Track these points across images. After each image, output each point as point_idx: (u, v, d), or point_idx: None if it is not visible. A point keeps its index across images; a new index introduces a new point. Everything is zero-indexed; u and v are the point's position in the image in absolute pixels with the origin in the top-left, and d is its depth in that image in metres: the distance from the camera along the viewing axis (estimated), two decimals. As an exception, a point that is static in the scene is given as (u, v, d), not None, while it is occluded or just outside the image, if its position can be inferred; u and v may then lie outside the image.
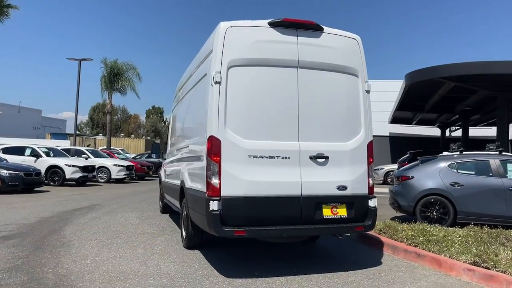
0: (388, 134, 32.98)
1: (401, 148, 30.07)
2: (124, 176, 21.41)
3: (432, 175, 8.84)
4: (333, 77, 5.41)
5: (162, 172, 10.17)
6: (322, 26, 5.40)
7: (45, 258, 5.81)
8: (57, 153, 19.77)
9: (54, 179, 18.04)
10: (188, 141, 6.36)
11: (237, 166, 4.96)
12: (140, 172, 23.61)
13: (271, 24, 5.23)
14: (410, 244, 6.13)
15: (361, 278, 5.07)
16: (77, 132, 38.84)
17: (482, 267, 5.00)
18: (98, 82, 36.79)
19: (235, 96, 5.03)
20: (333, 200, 5.23)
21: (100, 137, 47.24)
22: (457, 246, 5.77)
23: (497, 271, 4.87)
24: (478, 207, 8.41)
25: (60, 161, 18.39)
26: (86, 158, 21.03)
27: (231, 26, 5.13)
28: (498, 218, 8.26)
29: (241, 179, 4.95)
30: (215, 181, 4.91)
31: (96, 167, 20.19)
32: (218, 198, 4.88)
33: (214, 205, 4.85)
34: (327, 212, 5.19)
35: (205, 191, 5.00)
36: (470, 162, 9.04)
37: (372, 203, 5.40)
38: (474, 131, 27.79)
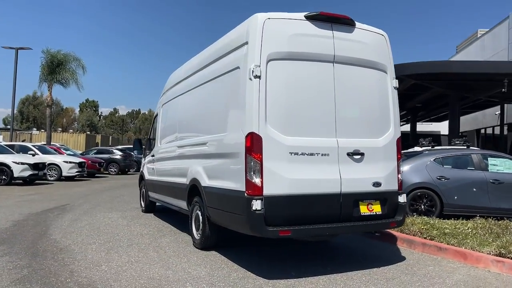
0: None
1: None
2: (76, 173, 20.23)
3: (419, 170, 9.14)
4: (365, 73, 5.38)
5: (146, 170, 9.65)
6: (355, 21, 5.34)
7: (53, 266, 5.27)
8: (1, 149, 18.21)
9: (0, 178, 16.63)
10: (205, 137, 6.00)
11: (278, 164, 4.77)
12: (91, 169, 22.50)
13: (307, 17, 5.09)
14: (425, 238, 6.27)
15: (398, 274, 5.09)
16: (7, 127, 35.85)
17: (509, 258, 5.22)
18: (27, 74, 34.35)
19: (275, 90, 4.83)
20: (369, 197, 5.21)
21: (35, 132, 44.28)
22: (473, 239, 5.99)
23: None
24: (463, 199, 8.82)
25: (7, 158, 16.95)
26: (33, 155, 19.57)
27: (268, 18, 4.92)
28: (481, 209, 8.71)
29: (283, 177, 4.77)
30: (256, 179, 4.69)
31: (46, 164, 18.87)
32: (261, 197, 4.67)
33: (257, 205, 4.64)
34: (363, 209, 5.16)
35: (244, 190, 4.76)
36: (454, 156, 9.45)
37: (402, 199, 5.44)
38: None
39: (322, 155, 4.99)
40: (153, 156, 8.96)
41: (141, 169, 10.20)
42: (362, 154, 5.18)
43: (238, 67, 5.12)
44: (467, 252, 5.56)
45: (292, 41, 4.97)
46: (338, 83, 5.17)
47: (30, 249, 6.17)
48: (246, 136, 4.77)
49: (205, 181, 5.90)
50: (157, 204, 9.81)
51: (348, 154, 5.12)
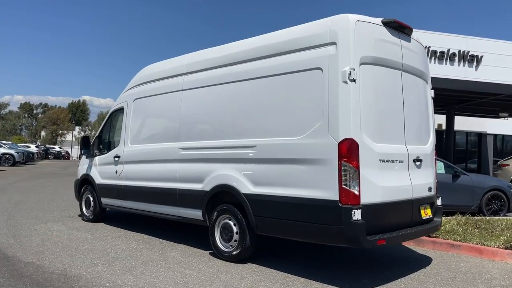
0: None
1: None
2: None
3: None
4: (418, 82, 5.58)
5: (96, 173, 8.28)
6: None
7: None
8: None
9: None
10: (251, 140, 5.38)
11: (371, 171, 4.64)
12: None
13: (383, 23, 5.06)
14: (433, 236, 6.78)
15: (445, 274, 5.36)
16: None
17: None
18: None
19: (365, 95, 4.68)
20: (426, 201, 5.44)
21: None
22: (470, 235, 6.72)
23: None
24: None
25: None
26: None
27: (358, 20, 4.74)
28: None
29: (376, 185, 4.66)
30: (354, 188, 4.48)
31: None
32: (360, 206, 4.48)
33: (358, 215, 4.43)
34: (423, 213, 5.35)
35: (337, 199, 4.51)
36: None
37: (439, 201, 5.81)
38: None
39: (399, 162, 5.03)
40: (116, 157, 7.75)
41: (82, 171, 8.73)
42: (421, 161, 5.38)
43: (319, 68, 4.79)
44: (482, 248, 6.22)
45: (376, 46, 4.90)
46: (405, 91, 5.27)
47: (12, 272, 4.84)
48: (341, 142, 4.52)
49: (249, 188, 5.39)
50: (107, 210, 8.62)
51: (413, 161, 5.26)
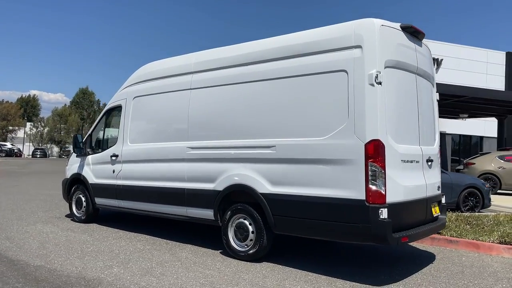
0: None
1: None
2: None
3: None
4: (427, 85, 5.83)
5: (90, 172, 8.03)
6: (423, 35, 5.72)
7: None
8: None
9: None
10: (269, 140, 5.41)
11: (395, 171, 4.81)
12: None
13: (402, 28, 5.24)
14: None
15: (453, 269, 5.63)
16: None
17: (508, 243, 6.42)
18: None
19: (389, 98, 4.84)
20: (435, 200, 5.69)
21: None
22: (463, 231, 7.09)
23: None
24: None
25: None
26: None
27: (382, 25, 4.89)
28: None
29: (399, 185, 4.84)
30: (381, 187, 4.63)
31: None
32: (386, 205, 4.64)
33: (385, 213, 4.59)
34: (433, 211, 5.61)
35: (363, 198, 4.64)
36: None
37: (443, 200, 6.09)
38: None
39: (416, 162, 5.24)
40: (114, 156, 7.55)
41: (72, 171, 8.43)
42: (432, 161, 5.63)
43: (344, 70, 4.90)
44: (479, 243, 6.57)
45: (397, 50, 5.07)
46: (419, 94, 5.50)
47: (27, 276, 4.66)
48: (368, 143, 4.66)
49: (266, 188, 5.44)
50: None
51: (426, 161, 5.49)
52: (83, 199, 8.21)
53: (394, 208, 4.70)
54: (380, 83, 4.70)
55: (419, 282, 4.99)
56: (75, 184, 8.40)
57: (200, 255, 5.99)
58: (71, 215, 8.70)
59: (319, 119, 5.08)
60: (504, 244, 6.47)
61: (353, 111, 4.78)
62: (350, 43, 4.91)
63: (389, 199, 4.67)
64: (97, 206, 8.00)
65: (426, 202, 5.38)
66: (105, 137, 8.16)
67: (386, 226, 4.57)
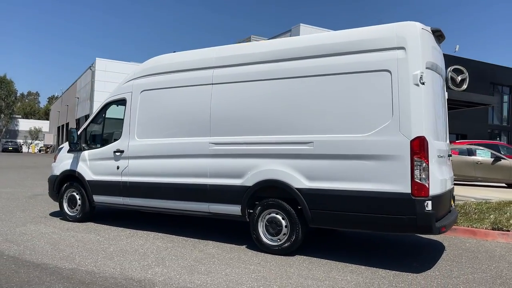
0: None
1: None
2: None
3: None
4: (442, 84, 6.26)
5: (87, 168, 7.61)
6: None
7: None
8: None
9: None
10: (306, 136, 5.50)
11: (434, 166, 5.14)
12: None
13: (432, 31, 5.59)
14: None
15: (467, 255, 6.15)
16: None
17: (508, 230, 7.11)
18: None
19: (428, 97, 5.17)
20: (452, 192, 6.15)
21: None
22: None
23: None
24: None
25: None
26: None
27: (422, 28, 5.20)
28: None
29: (437, 178, 5.18)
30: (425, 181, 4.94)
31: None
32: (430, 198, 4.97)
33: (430, 205, 4.92)
34: (451, 203, 6.07)
35: (408, 191, 4.93)
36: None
37: (454, 192, 6.59)
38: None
39: (443, 157, 5.65)
40: (118, 152, 7.23)
41: (64, 167, 7.94)
42: (450, 155, 6.08)
43: (387, 70, 5.14)
44: (475, 230, 7.19)
45: (432, 52, 5.41)
46: (441, 93, 5.91)
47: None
48: (413, 140, 4.95)
49: (303, 183, 5.56)
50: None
51: (448, 156, 5.93)
52: (78, 197, 7.79)
53: (435, 200, 5.05)
54: (423, 83, 5.01)
55: (449, 267, 5.40)
56: (67, 181, 7.94)
57: (229, 251, 5.99)
58: (59, 214, 8.26)
59: (361, 116, 5.29)
60: (498, 230, 7.14)
61: (397, 109, 5.04)
62: (393, 45, 5.16)
63: (431, 192, 5.01)
64: (96, 204, 7.64)
65: (450, 194, 5.82)
66: (104, 132, 7.78)
67: (431, 217, 4.91)
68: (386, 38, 5.24)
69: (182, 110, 6.71)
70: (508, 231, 7.10)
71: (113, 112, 7.72)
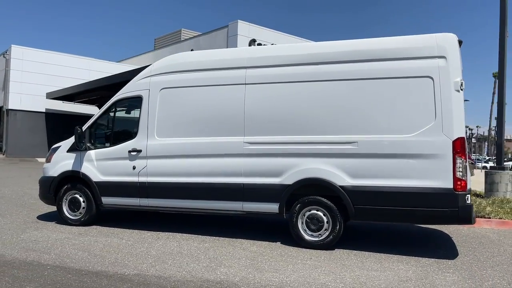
0: (44, 110, 30.06)
1: (60, 126, 28.78)
2: None
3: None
4: None
5: (94, 169, 7.17)
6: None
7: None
8: None
9: None
10: (349, 136, 5.80)
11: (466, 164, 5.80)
12: None
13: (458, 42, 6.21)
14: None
15: (473, 241, 7.00)
16: None
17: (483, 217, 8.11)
18: None
19: (460, 102, 5.78)
20: None
21: None
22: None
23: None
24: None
25: None
26: None
27: (457, 39, 5.79)
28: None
29: (468, 174, 5.83)
30: (464, 177, 5.54)
31: None
32: (468, 192, 5.59)
33: (469, 199, 5.54)
34: None
35: (451, 187, 5.49)
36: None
37: None
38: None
39: None
40: (134, 151, 6.94)
41: (64, 168, 7.39)
42: None
43: (429, 77, 5.65)
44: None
45: (461, 61, 6.02)
46: None
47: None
48: (455, 140, 5.52)
49: (346, 180, 5.90)
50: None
51: None
52: (81, 199, 7.35)
53: (470, 194, 5.69)
54: (463, 89, 5.61)
55: (471, 253, 6.12)
56: (67, 183, 7.44)
57: (271, 248, 6.14)
58: (50, 218, 7.80)
59: (404, 118, 5.75)
60: (481, 217, 8.13)
61: (440, 112, 5.59)
62: (434, 53, 5.69)
63: (468, 186, 5.64)
64: (105, 206, 7.26)
65: None
66: (114, 130, 7.38)
67: (471, 209, 5.55)
68: (427, 47, 5.75)
69: (210, 109, 6.67)
70: (490, 217, 8.12)
71: (125, 110, 7.38)
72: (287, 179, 6.18)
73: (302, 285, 4.63)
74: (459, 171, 5.53)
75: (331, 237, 6.04)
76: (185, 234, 6.88)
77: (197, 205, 6.70)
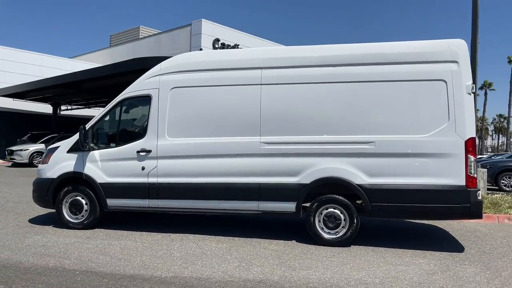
0: (-6, 109, 28.26)
1: (11, 125, 27.38)
2: None
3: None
4: None
5: (99, 170, 6.91)
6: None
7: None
8: None
9: None
10: (366, 136, 5.99)
11: None
12: None
13: None
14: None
15: (468, 234, 7.46)
16: None
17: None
18: None
19: (471, 104, 6.15)
20: None
21: None
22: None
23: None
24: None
25: None
26: None
27: (467, 45, 6.16)
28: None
29: (476, 173, 6.22)
30: (474, 175, 5.92)
31: None
32: (479, 189, 5.97)
33: (480, 195, 5.92)
34: None
35: (463, 184, 5.84)
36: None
37: None
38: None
39: None
40: (143, 152, 6.77)
41: (64, 169, 7.07)
42: None
43: (443, 80, 5.97)
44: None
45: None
46: None
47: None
48: (467, 140, 5.87)
49: (363, 179, 6.10)
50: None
51: None
52: (84, 201, 7.08)
53: (480, 190, 6.09)
54: (474, 92, 5.99)
55: (474, 245, 6.51)
56: (68, 185, 7.14)
57: (289, 246, 6.23)
58: (50, 222, 7.43)
59: (420, 119, 6.04)
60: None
61: (453, 114, 5.93)
62: (446, 58, 6.03)
63: (477, 183, 6.03)
64: (109, 209, 7.04)
65: None
66: (120, 130, 7.15)
67: (481, 205, 5.94)
68: (441, 52, 6.08)
69: (225, 109, 6.65)
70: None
71: (132, 109, 7.18)
72: (305, 178, 6.29)
73: (341, 281, 4.77)
74: (470, 169, 5.90)
75: (348, 234, 6.23)
76: (197, 235, 6.81)
77: (211, 205, 6.67)
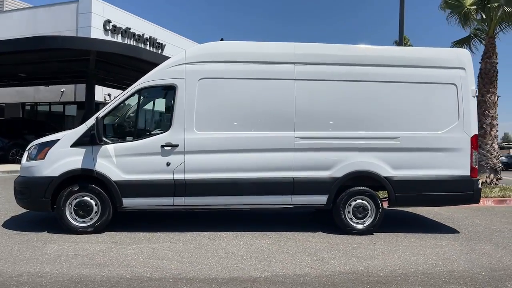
0: None
1: None
2: None
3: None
4: None
5: (115, 167, 6.19)
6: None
7: None
8: None
9: None
10: (391, 132, 6.52)
11: None
12: None
13: None
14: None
15: (463, 222, 8.59)
16: None
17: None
18: None
19: (475, 105, 7.10)
20: None
21: None
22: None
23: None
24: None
25: None
26: None
27: (470, 55, 7.11)
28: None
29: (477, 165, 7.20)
30: (476, 166, 6.91)
31: None
32: (479, 178, 6.98)
33: (479, 184, 6.93)
34: None
35: (468, 174, 6.77)
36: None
37: None
38: None
39: None
40: (168, 146, 6.29)
41: (68, 167, 6.16)
42: None
43: (453, 84, 6.82)
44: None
45: None
46: None
47: None
48: (472, 137, 6.82)
49: (389, 172, 6.66)
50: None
51: None
52: (93, 202, 6.35)
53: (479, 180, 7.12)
54: (477, 96, 6.97)
55: (474, 226, 7.59)
56: (73, 184, 6.31)
57: (321, 237, 6.47)
58: (46, 226, 6.55)
59: (436, 117, 6.82)
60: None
61: (462, 114, 6.83)
62: (455, 65, 6.91)
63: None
64: (125, 209, 6.41)
65: None
66: (139, 122, 6.49)
67: (480, 191, 6.97)
68: (452, 59, 6.96)
69: (258, 103, 6.59)
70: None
71: (153, 100, 6.59)
72: (337, 172, 6.60)
73: (399, 267, 5.11)
74: (474, 162, 6.87)
75: (374, 222, 6.74)
76: (228, 232, 6.61)
77: (243, 201, 6.56)
